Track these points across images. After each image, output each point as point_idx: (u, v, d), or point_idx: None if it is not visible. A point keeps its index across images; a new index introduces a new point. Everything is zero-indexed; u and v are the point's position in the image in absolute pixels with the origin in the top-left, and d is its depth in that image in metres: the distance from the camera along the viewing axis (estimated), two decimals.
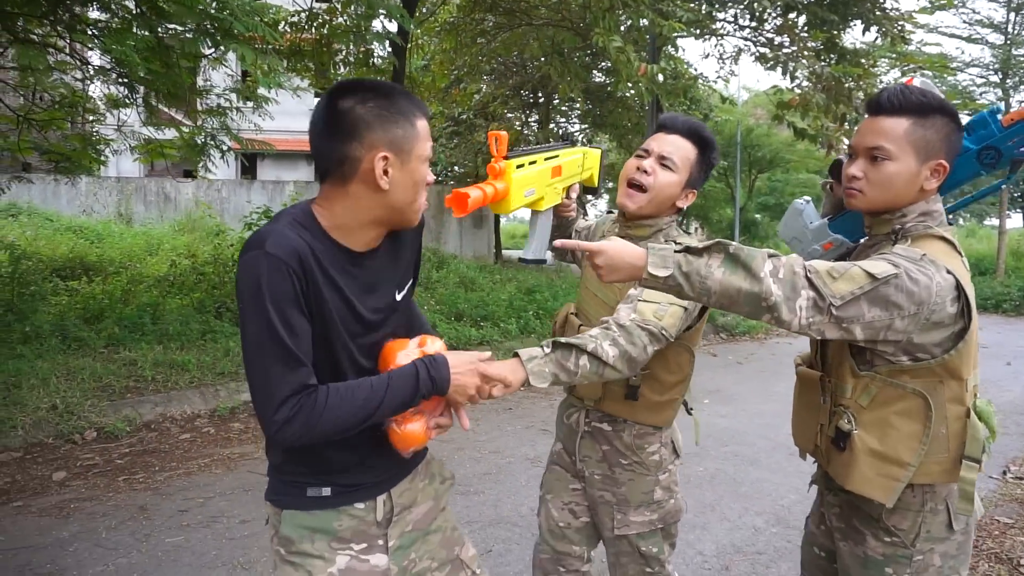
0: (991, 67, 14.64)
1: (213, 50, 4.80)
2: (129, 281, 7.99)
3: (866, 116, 1.44)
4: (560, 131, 16.78)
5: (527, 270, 16.15)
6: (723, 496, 3.90)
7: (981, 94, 14.71)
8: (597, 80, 13.91)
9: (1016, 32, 14.19)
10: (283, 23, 7.61)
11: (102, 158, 7.94)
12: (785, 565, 3.12)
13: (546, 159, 1.67)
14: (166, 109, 7.12)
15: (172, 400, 5.29)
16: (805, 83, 8.42)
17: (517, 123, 15.95)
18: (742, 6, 8.71)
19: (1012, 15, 14.11)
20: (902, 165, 1.37)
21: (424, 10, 8.47)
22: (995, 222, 31.93)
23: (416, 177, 1.32)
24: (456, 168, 24.25)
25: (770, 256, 1.25)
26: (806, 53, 8.10)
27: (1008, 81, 14.39)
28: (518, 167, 1.52)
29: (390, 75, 8.24)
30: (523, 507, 3.65)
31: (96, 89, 6.44)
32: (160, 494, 3.74)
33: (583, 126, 17.32)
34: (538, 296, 9.45)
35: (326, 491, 1.37)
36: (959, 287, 1.28)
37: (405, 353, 1.37)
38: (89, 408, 4.80)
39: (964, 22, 15.50)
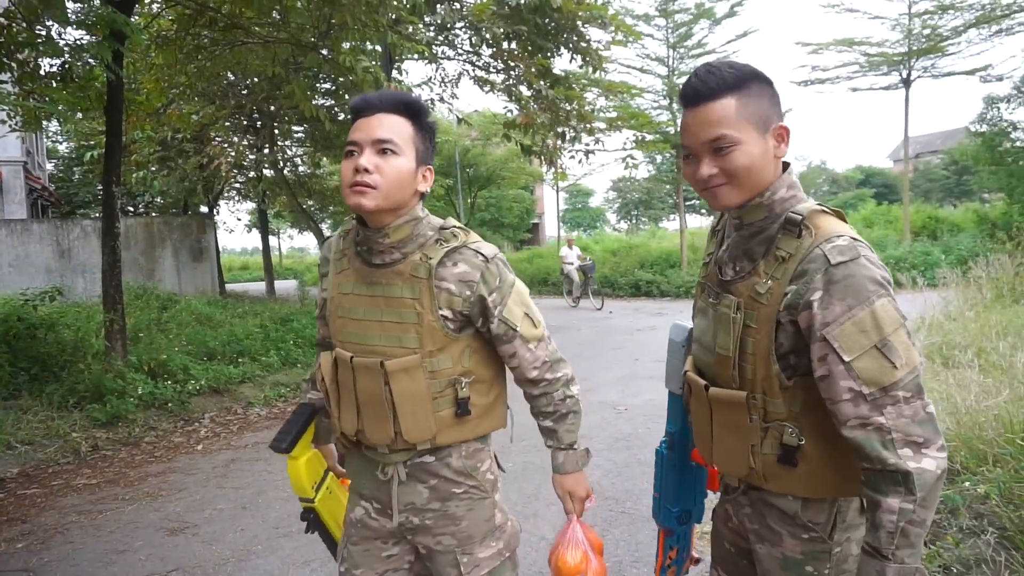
0: (661, 93, 17.51)
1: None
2: None
3: (683, 109, 1.30)
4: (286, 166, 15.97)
5: (267, 301, 15.14)
6: (540, 484, 4.12)
7: (658, 115, 17.56)
8: (317, 102, 13.60)
9: (675, 66, 17.22)
10: None
11: None
12: (617, 531, 3.43)
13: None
14: None
15: None
16: (532, 104, 9.24)
17: (230, 148, 14.81)
18: (472, 31, 9.25)
19: (671, 51, 17.13)
20: (753, 146, 1.25)
21: (135, 19, 7.57)
22: (673, 224, 37.90)
23: None
24: (160, 199, 21.79)
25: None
26: (532, 76, 8.88)
27: (675, 105, 17.29)
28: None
29: (95, 90, 7.21)
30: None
31: None
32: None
33: (305, 148, 16.73)
34: (295, 324, 8.99)
35: None
36: None
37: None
38: None
39: (637, 55, 18.30)
